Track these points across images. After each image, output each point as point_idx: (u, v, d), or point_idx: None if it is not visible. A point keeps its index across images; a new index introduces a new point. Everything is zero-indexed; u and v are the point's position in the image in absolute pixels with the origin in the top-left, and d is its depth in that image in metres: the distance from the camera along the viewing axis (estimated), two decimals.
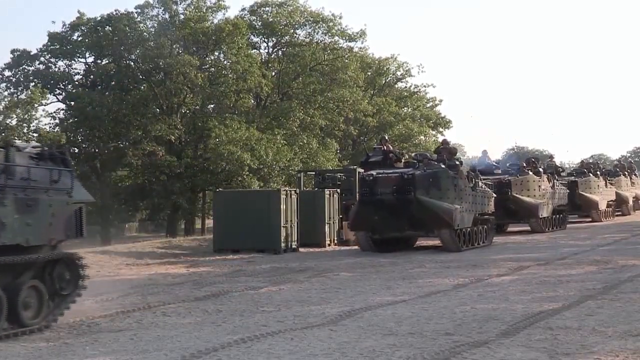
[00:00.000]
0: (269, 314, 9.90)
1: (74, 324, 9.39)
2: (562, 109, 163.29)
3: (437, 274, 14.40)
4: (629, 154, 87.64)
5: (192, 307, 10.76)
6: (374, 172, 19.46)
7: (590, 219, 33.43)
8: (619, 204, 37.35)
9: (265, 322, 9.24)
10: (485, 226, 22.07)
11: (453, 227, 19.29)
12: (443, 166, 19.91)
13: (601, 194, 33.36)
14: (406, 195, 18.76)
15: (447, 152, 21.45)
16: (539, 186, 27.01)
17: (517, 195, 26.33)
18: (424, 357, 7.10)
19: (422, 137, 53.47)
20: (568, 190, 30.37)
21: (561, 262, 15.72)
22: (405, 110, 52.29)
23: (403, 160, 21.05)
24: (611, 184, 35.87)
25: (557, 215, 28.79)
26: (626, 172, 40.09)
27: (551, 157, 38.11)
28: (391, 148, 21.43)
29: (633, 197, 39.82)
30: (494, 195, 23.43)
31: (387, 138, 22.71)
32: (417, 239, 21.97)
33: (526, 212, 26.69)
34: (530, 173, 27.21)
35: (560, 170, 34.48)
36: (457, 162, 20.87)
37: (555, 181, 28.96)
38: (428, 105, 55.68)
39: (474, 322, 8.89)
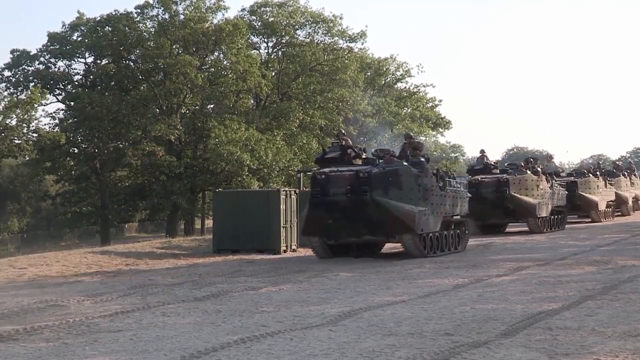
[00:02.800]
0: (269, 314, 9.90)
1: (73, 324, 9.39)
2: (562, 109, 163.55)
3: (436, 274, 14.40)
4: (628, 154, 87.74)
5: (192, 307, 10.76)
6: (326, 170, 17.39)
7: (589, 219, 33.43)
8: (619, 205, 37.36)
9: (264, 323, 9.23)
10: (458, 230, 20.16)
11: (416, 232, 17.36)
12: (405, 163, 17.86)
13: (601, 195, 33.35)
14: (361, 195, 16.73)
15: (410, 147, 19.27)
16: (537, 186, 26.81)
17: (516, 195, 26.07)
18: (423, 357, 7.10)
19: (422, 137, 53.46)
20: (567, 192, 30.23)
21: (561, 263, 15.71)
22: (405, 111, 52.31)
23: (363, 157, 18.59)
24: (611, 184, 35.87)
25: (556, 216, 28.63)
26: (625, 173, 40.10)
27: (551, 157, 38.11)
28: (350, 143, 19.04)
29: (632, 198, 39.83)
30: (469, 195, 21.90)
31: (344, 132, 20.02)
32: (383, 245, 19.85)
33: (524, 212, 26.37)
34: (529, 172, 27.02)
35: (560, 170, 34.48)
36: (423, 159, 18.76)
37: (553, 181, 28.84)
38: (428, 105, 55.73)
39: (474, 322, 8.89)
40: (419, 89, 54.86)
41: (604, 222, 32.57)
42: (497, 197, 25.83)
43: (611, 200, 35.47)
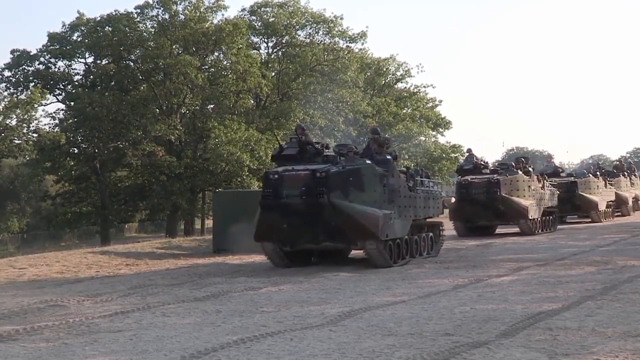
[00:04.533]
0: (269, 315, 9.89)
1: (73, 324, 9.39)
2: (562, 109, 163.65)
3: (436, 274, 14.39)
4: (628, 155, 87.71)
5: (192, 307, 10.75)
6: (279, 169, 15.61)
7: (589, 220, 33.40)
8: (619, 205, 37.34)
9: (264, 323, 9.23)
10: (431, 234, 18.64)
11: (379, 238, 15.44)
12: (369, 162, 16.03)
13: (601, 195, 33.31)
14: (318, 198, 14.81)
15: (375, 144, 17.34)
16: (529, 186, 26.01)
17: (507, 196, 25.14)
18: (423, 357, 7.10)
19: (422, 137, 53.44)
20: (558, 192, 29.70)
21: (560, 263, 15.70)
22: (405, 111, 52.30)
23: (325, 154, 16.49)
24: (610, 184, 35.85)
25: (547, 217, 27.79)
26: (625, 173, 40.10)
27: (550, 157, 38.07)
28: (310, 138, 17.21)
29: (632, 198, 39.83)
30: (442, 195, 20.71)
31: (303, 126, 17.85)
32: (350, 251, 17.83)
33: (516, 213, 25.33)
34: (520, 173, 26.20)
35: (560, 170, 34.42)
36: (389, 157, 16.93)
37: (545, 182, 28.14)
38: (428, 105, 55.68)
39: (474, 322, 8.89)
40: (419, 89, 54.86)
41: (603, 223, 32.53)
42: (488, 198, 24.93)
43: (611, 201, 35.45)
